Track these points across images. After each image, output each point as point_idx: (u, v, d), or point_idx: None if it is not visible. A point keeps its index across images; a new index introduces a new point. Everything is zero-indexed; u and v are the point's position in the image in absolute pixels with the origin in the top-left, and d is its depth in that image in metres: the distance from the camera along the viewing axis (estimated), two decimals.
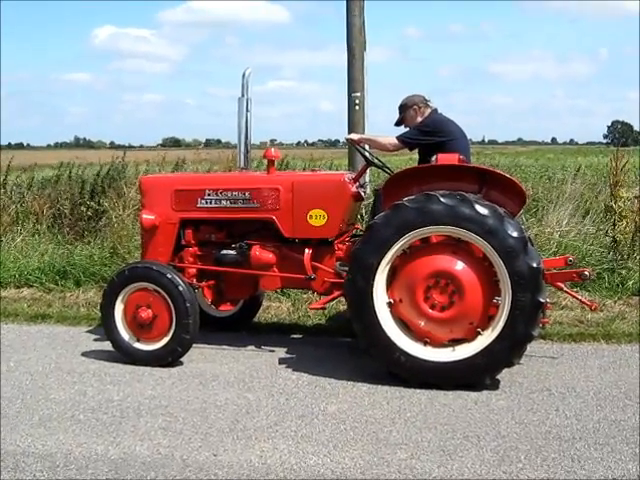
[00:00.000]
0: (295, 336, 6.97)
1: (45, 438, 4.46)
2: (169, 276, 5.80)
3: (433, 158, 5.62)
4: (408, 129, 6.35)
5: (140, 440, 4.43)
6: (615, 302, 7.61)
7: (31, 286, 8.80)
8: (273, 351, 6.32)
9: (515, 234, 5.05)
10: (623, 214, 8.37)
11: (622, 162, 8.67)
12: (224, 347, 6.42)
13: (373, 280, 5.30)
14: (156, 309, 5.80)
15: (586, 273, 5.61)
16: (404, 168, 5.80)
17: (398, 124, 6.55)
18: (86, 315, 7.65)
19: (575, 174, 12.13)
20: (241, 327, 7.01)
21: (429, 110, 6.40)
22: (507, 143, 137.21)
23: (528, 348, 6.02)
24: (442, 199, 5.14)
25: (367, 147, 7.38)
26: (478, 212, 5.09)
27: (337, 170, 11.95)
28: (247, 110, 6.44)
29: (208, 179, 6.83)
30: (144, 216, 6.31)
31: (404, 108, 6.47)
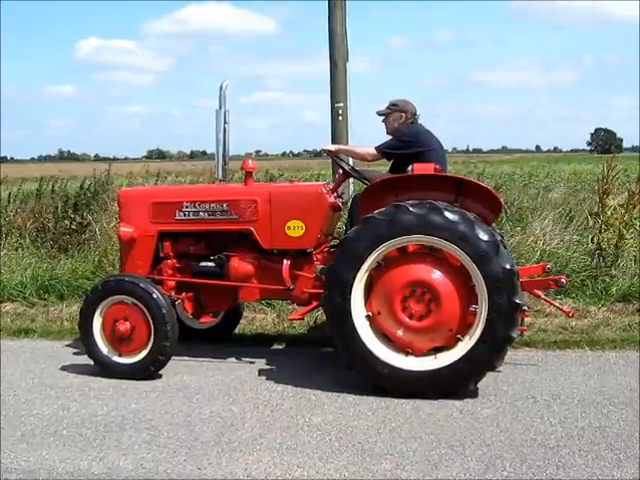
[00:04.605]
0: (280, 347, 6.96)
1: (28, 454, 4.42)
2: (142, 285, 5.80)
3: (409, 168, 5.65)
4: (386, 140, 6.37)
5: (124, 455, 4.39)
6: (599, 309, 7.63)
7: (14, 301, 8.72)
8: (257, 363, 6.29)
9: (486, 238, 5.08)
10: (610, 222, 8.40)
11: (613, 172, 8.68)
12: (208, 359, 6.39)
13: (350, 295, 5.31)
14: (133, 321, 5.79)
15: (562, 280, 5.68)
16: (380, 178, 5.81)
17: (380, 115, 6.57)
18: (70, 329, 7.59)
19: (562, 180, 12.14)
20: (223, 339, 6.99)
21: (410, 122, 6.43)
22: (492, 152, 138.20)
23: (513, 356, 6.08)
24: (411, 209, 5.17)
25: (350, 159, 7.41)
26: (448, 219, 5.12)
27: (322, 180, 11.97)
28: (225, 122, 6.44)
29: (186, 191, 6.85)
30: (122, 229, 6.28)
31: (394, 108, 6.48)
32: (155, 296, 5.74)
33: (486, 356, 5.13)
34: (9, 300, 8.75)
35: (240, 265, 6.15)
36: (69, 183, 12.95)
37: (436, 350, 5.32)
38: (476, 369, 5.18)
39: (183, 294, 6.36)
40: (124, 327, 5.78)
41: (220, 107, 6.45)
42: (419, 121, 6.51)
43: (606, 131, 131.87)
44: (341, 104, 9.71)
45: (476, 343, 5.13)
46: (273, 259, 6.14)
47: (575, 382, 5.62)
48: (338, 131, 9.73)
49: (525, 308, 5.42)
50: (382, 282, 5.37)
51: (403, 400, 5.19)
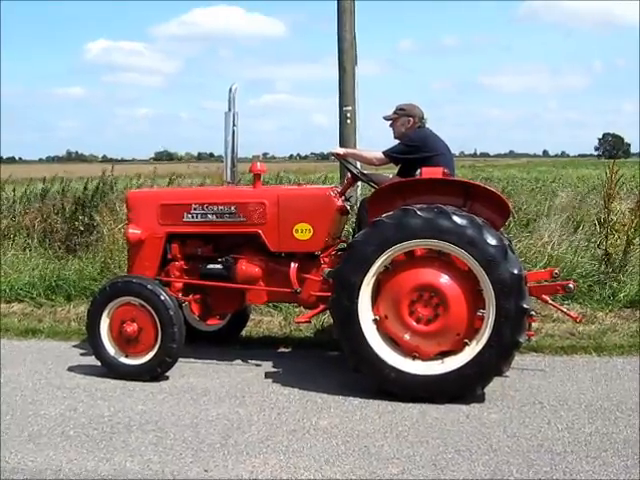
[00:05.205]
0: (286, 350, 6.96)
1: (35, 454, 4.43)
2: (150, 287, 5.81)
3: (417, 172, 5.64)
4: (394, 145, 6.35)
5: (131, 456, 4.40)
6: (606, 314, 7.60)
7: (22, 301, 8.75)
8: (264, 365, 6.29)
9: (494, 242, 5.07)
10: (615, 228, 8.38)
11: (617, 176, 8.65)
12: (215, 361, 6.40)
13: (357, 298, 5.30)
14: (141, 322, 5.79)
15: (570, 286, 5.66)
16: (389, 182, 5.80)
17: (387, 120, 6.54)
18: (77, 330, 7.61)
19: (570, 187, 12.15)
20: (229, 341, 7.00)
21: (417, 126, 6.40)
22: (499, 156, 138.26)
23: (520, 361, 6.06)
24: (419, 212, 5.16)
25: (358, 162, 7.40)
26: (456, 223, 5.11)
27: (330, 184, 11.99)
28: (234, 125, 6.46)
29: (194, 193, 6.87)
30: (130, 230, 6.30)
31: (401, 113, 6.44)
32: (162, 298, 5.76)
33: (493, 361, 5.12)
34: (17, 300, 8.78)
35: (247, 268, 6.15)
36: (74, 184, 12.96)
37: (443, 354, 5.32)
38: (483, 374, 5.17)
39: (190, 296, 6.37)
40: (131, 328, 5.79)
41: (229, 109, 6.47)
42: (426, 125, 6.50)
43: (614, 136, 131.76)
44: (349, 107, 9.72)
45: (483, 348, 5.12)
46: (281, 262, 6.15)
47: (582, 388, 5.60)
48: (346, 134, 9.73)
49: (533, 313, 5.42)
50: (390, 286, 5.37)
51: (410, 404, 5.18)
